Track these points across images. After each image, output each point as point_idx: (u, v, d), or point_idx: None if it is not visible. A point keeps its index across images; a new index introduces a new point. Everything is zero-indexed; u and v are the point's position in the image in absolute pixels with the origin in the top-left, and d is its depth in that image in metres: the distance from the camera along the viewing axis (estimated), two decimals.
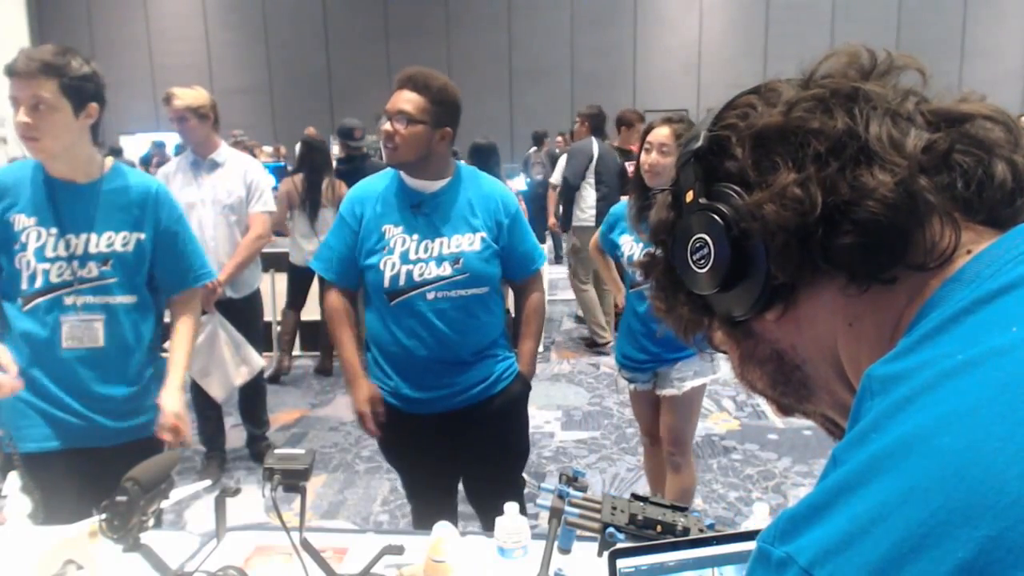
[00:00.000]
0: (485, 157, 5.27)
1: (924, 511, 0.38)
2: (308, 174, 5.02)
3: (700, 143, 0.59)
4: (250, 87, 15.95)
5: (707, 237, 0.57)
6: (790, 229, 0.53)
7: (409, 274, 2.09)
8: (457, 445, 2.27)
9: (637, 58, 15.65)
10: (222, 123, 3.70)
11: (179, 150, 6.64)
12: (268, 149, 12.08)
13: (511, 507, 1.51)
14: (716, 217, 0.56)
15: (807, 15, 14.88)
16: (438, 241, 2.10)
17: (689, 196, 0.60)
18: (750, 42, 15.21)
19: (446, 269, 2.09)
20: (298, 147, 5.69)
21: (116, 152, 12.19)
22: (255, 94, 15.99)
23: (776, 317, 0.58)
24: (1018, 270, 0.47)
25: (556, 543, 1.39)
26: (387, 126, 2.05)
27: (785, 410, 0.65)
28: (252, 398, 4.11)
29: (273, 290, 5.74)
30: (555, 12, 15.59)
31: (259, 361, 3.72)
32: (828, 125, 0.53)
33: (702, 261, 0.58)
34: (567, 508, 1.38)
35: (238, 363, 3.63)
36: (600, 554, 1.32)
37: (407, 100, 2.05)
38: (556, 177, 6.22)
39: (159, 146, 11.74)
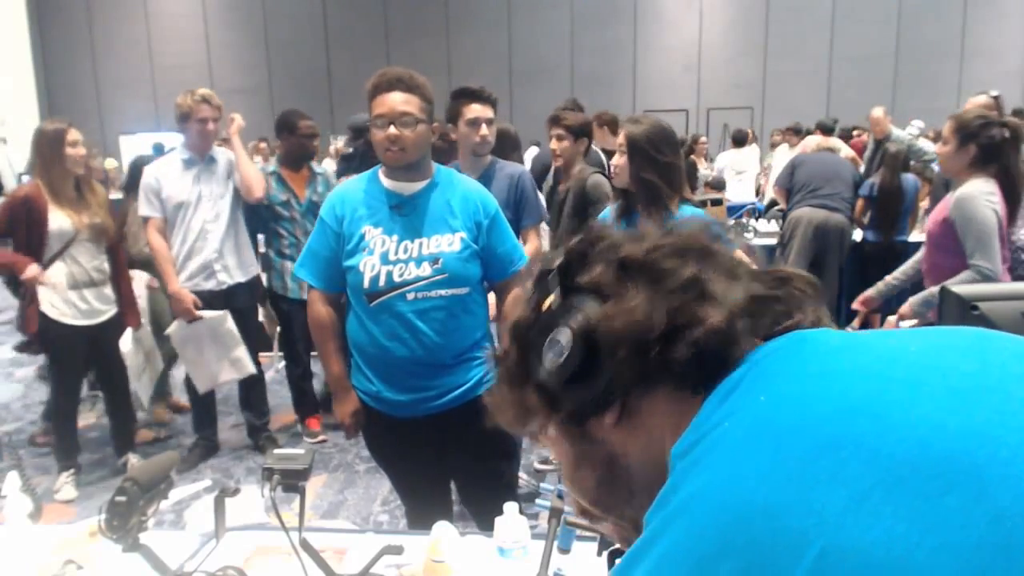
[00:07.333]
0: (501, 143, 5.11)
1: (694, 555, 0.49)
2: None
3: (563, 258, 0.69)
4: (250, 87, 15.93)
5: (565, 335, 0.65)
6: (631, 341, 0.62)
7: (389, 275, 2.08)
8: (443, 447, 2.26)
9: (637, 58, 15.65)
10: (221, 123, 3.77)
11: (159, 152, 6.42)
12: None
13: (511, 507, 1.51)
14: (573, 320, 0.65)
15: (807, 15, 14.86)
16: (418, 242, 2.10)
17: (550, 299, 0.68)
18: (750, 42, 15.19)
19: (426, 269, 2.09)
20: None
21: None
22: (255, 94, 15.96)
23: (613, 421, 0.65)
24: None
25: (556, 543, 1.39)
26: (391, 130, 2.03)
27: (594, 515, 0.73)
28: (252, 387, 4.14)
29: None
30: (555, 12, 15.58)
31: (250, 368, 3.82)
32: (680, 269, 0.65)
33: (554, 357, 0.66)
34: (567, 508, 1.38)
35: (229, 364, 3.75)
36: (600, 554, 1.32)
37: (406, 101, 2.05)
38: None
39: (158, 151, 11.24)
